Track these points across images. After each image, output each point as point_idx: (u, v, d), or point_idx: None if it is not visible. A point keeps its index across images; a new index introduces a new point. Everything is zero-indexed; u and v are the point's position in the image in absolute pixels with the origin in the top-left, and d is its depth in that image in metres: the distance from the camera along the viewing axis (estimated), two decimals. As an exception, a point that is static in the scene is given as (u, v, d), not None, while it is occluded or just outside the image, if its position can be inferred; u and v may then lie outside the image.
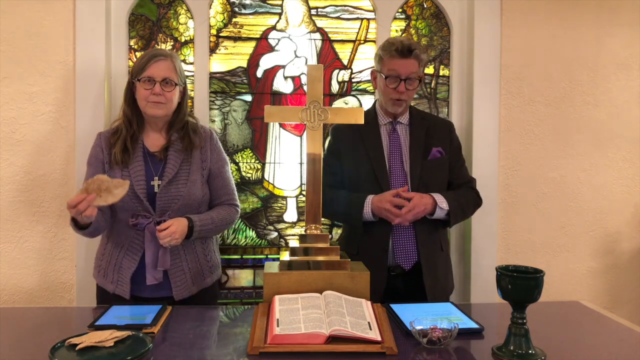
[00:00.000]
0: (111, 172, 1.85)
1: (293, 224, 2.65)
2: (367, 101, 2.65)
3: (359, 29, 2.64)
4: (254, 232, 2.63)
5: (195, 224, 1.83)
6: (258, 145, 2.62)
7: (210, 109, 2.58)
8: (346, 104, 2.65)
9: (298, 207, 2.64)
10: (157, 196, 1.84)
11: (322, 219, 1.78)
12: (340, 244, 2.18)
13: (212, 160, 1.95)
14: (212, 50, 2.58)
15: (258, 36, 2.60)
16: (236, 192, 2.03)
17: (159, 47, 2.54)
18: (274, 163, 2.63)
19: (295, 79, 2.63)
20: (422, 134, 2.05)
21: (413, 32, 2.65)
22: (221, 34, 2.58)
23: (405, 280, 1.98)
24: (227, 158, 2.04)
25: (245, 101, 2.61)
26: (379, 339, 1.36)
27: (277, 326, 1.38)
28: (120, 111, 1.92)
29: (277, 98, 2.62)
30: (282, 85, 2.62)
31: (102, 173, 1.83)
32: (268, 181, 2.63)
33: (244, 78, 2.60)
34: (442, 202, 1.93)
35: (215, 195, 1.97)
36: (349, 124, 2.09)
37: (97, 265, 1.95)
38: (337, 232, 2.66)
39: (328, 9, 2.63)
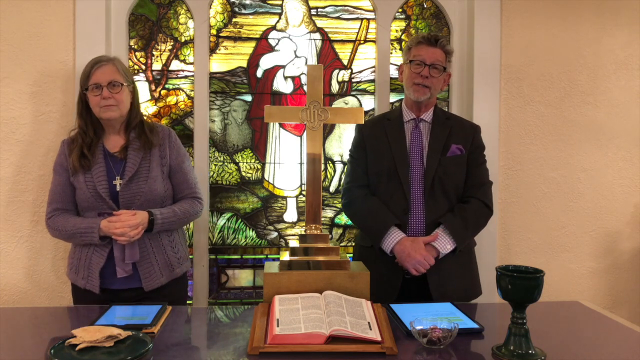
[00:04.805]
0: (75, 177, 1.95)
1: (293, 224, 2.64)
2: (367, 101, 2.65)
3: (359, 29, 2.64)
4: (254, 232, 2.63)
5: (156, 217, 1.90)
6: (258, 145, 2.62)
7: (210, 109, 2.58)
8: (346, 104, 2.65)
9: (298, 207, 2.64)
10: (120, 194, 1.92)
11: (322, 219, 1.79)
12: (356, 237, 2.23)
13: (171, 156, 2.03)
14: (212, 50, 2.57)
15: (258, 36, 2.60)
16: (198, 186, 2.11)
17: (158, 47, 2.55)
18: (274, 163, 2.63)
19: (295, 79, 2.63)
20: (444, 132, 2.06)
21: (413, 32, 2.65)
22: (221, 34, 2.58)
23: (419, 282, 1.97)
24: (188, 154, 2.13)
25: (245, 101, 2.61)
26: (379, 339, 1.36)
27: (277, 326, 1.38)
28: (75, 122, 2.02)
29: (277, 98, 2.62)
30: (282, 85, 2.62)
31: (67, 180, 1.97)
32: (268, 181, 2.63)
33: (244, 78, 2.60)
34: (446, 245, 1.94)
35: (178, 189, 2.06)
36: (374, 121, 2.12)
37: (69, 264, 2.02)
38: (337, 232, 2.66)
39: (328, 9, 2.63)
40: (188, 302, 2.33)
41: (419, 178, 2.02)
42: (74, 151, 1.95)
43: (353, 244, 2.51)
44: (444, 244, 1.94)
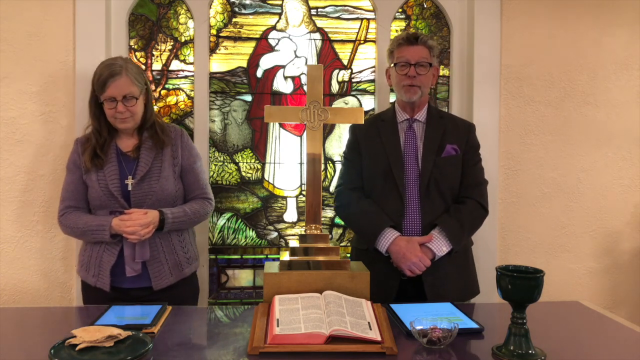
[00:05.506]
0: (87, 175, 1.97)
1: (293, 224, 2.64)
2: (367, 101, 2.65)
3: (359, 29, 2.64)
4: (254, 232, 2.63)
5: (167, 216, 1.92)
6: (258, 145, 2.62)
7: (210, 109, 2.58)
8: (346, 104, 2.65)
9: (298, 207, 2.64)
10: (131, 193, 1.94)
11: (322, 219, 1.79)
12: (352, 239, 2.24)
13: (183, 157, 2.05)
14: (212, 50, 2.57)
15: (258, 36, 2.60)
16: (209, 187, 2.13)
17: (158, 47, 2.54)
18: (274, 163, 2.63)
19: (295, 79, 2.63)
20: (438, 132, 2.06)
21: (412, 32, 2.64)
22: (221, 34, 2.58)
23: (416, 283, 1.97)
24: (200, 155, 2.14)
25: (245, 101, 2.61)
26: (379, 339, 1.36)
27: (277, 326, 1.38)
28: (88, 121, 2.03)
29: (277, 98, 2.62)
30: (282, 85, 2.62)
31: (80, 178, 2.00)
32: (268, 181, 2.63)
33: (244, 78, 2.60)
34: (442, 247, 1.94)
35: (189, 189, 2.07)
36: (368, 122, 2.12)
37: (80, 261, 2.04)
38: (337, 232, 2.66)
39: (328, 9, 2.63)
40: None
41: (414, 179, 2.01)
42: (87, 151, 1.98)
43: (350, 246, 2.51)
44: (440, 245, 1.94)
